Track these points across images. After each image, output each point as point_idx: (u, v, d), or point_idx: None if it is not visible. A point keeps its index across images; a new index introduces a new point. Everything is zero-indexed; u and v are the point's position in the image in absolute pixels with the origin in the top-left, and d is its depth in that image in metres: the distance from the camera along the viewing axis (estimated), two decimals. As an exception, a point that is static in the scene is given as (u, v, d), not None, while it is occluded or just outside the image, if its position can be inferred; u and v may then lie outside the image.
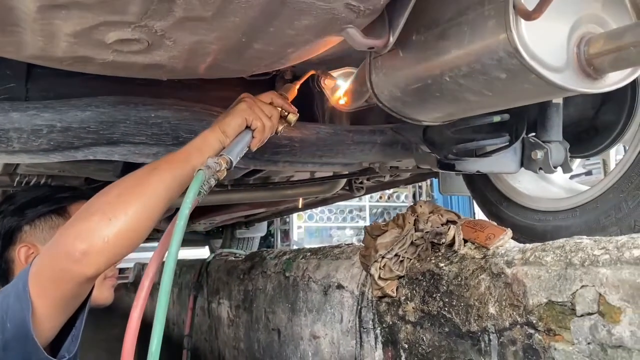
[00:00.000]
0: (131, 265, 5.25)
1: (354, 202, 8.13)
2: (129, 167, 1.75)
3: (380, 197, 8.40)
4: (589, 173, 5.33)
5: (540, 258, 1.00)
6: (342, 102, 1.51)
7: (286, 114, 1.32)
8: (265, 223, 4.33)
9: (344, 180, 2.25)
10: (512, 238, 1.65)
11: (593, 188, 1.42)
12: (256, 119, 1.22)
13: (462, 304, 1.13)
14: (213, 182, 1.10)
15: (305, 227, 8.48)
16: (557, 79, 0.86)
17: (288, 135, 1.60)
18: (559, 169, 1.43)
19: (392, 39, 1.05)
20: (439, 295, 1.21)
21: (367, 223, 8.59)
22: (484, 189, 1.74)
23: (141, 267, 4.96)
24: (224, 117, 1.22)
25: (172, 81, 1.53)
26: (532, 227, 1.55)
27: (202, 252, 5.05)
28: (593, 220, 1.38)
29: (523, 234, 1.59)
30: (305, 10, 0.94)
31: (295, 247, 7.56)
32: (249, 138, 1.22)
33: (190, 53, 1.10)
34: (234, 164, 1.16)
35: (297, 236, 8.07)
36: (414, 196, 8.42)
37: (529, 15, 0.81)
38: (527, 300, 0.99)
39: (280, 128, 1.32)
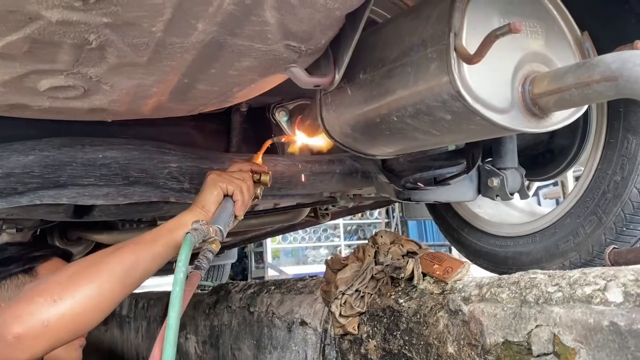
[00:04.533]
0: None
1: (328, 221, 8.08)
2: (81, 208, 1.69)
3: (354, 215, 8.39)
4: (556, 184, 5.41)
5: (496, 295, 0.98)
6: (297, 136, 1.49)
7: (259, 177, 1.30)
8: (235, 250, 4.25)
9: (307, 209, 2.22)
10: (476, 264, 1.65)
11: (551, 213, 1.41)
12: (230, 183, 1.18)
13: (422, 343, 1.11)
14: (210, 256, 1.04)
15: (281, 249, 8.40)
16: (501, 120, 0.85)
17: (244, 170, 1.56)
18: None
19: (337, 77, 1.03)
20: (399, 333, 1.18)
21: (342, 241, 8.56)
22: (445, 214, 1.73)
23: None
24: (198, 196, 1.18)
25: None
26: (494, 253, 1.54)
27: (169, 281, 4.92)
28: (552, 246, 1.37)
29: (485, 260, 1.57)
30: (244, 52, 0.92)
31: (269, 270, 7.42)
32: (231, 205, 1.19)
33: (131, 96, 1.06)
34: (224, 233, 1.10)
35: (271, 258, 7.98)
36: (387, 212, 8.43)
37: (470, 60, 0.80)
38: (485, 340, 0.96)
39: (258, 191, 1.30)
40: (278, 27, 0.85)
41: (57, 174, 1.36)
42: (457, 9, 0.82)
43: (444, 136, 0.98)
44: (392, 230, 8.27)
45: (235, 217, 1.21)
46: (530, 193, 1.83)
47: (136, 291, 4.54)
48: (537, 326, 0.87)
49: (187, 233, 1.00)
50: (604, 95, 0.80)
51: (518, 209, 1.66)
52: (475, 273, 1.52)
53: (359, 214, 8.29)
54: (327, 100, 1.16)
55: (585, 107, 0.95)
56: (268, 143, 1.47)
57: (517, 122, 0.87)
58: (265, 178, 1.31)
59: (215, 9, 0.77)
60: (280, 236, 8.01)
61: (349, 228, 8.77)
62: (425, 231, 9.43)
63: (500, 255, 1.52)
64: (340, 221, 8.43)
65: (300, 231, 8.05)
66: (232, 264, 7.82)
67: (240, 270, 8.23)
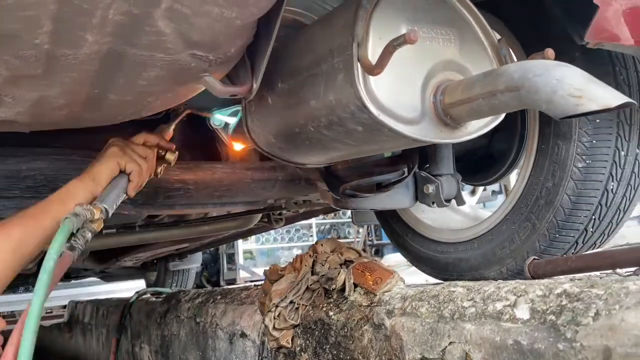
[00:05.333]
0: (65, 302, 5.01)
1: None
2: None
3: (326, 215, 8.35)
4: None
5: (416, 309, 0.96)
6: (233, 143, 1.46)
7: (163, 153, 1.24)
8: (199, 254, 4.19)
9: (259, 215, 2.18)
10: (420, 270, 1.62)
11: (488, 219, 1.40)
12: (130, 162, 1.12)
13: (348, 357, 1.08)
14: (89, 235, 1.00)
15: (253, 249, 8.33)
16: (410, 132, 0.82)
17: (180, 178, 1.52)
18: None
19: (255, 86, 0.99)
20: (328, 347, 1.15)
21: (315, 240, 8.50)
22: (390, 219, 1.70)
23: (75, 305, 4.73)
24: (93, 164, 1.13)
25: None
26: (436, 260, 1.51)
27: (138, 285, 4.85)
28: (490, 253, 1.35)
29: (428, 267, 1.55)
30: (148, 62, 0.88)
31: (241, 272, 7.30)
32: (125, 183, 1.13)
33: (39, 108, 1.01)
34: (110, 213, 1.06)
35: (242, 260, 7.89)
36: (360, 211, 8.41)
37: (372, 70, 0.77)
38: (404, 356, 0.94)
39: (159, 169, 1.24)
40: (176, 36, 0.81)
41: (-23, 187, 1.31)
42: (361, 18, 0.79)
43: (362, 146, 0.95)
44: (365, 229, 8.27)
45: (126, 195, 1.15)
46: (476, 197, 1.83)
47: (98, 298, 4.45)
48: (450, 343, 0.85)
49: (65, 218, 0.95)
50: (509, 106, 0.78)
51: (461, 214, 1.64)
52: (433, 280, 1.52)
53: (332, 213, 8.26)
54: (251, 109, 1.13)
55: (502, 116, 0.93)
56: (185, 113, 1.40)
57: (428, 133, 0.85)
58: (170, 157, 1.25)
59: (101, 20, 0.73)
60: (253, 237, 7.94)
61: (321, 227, 8.74)
62: (398, 229, 9.41)
63: (441, 262, 1.50)
64: (313, 221, 8.39)
65: (272, 231, 7.99)
66: (207, 265, 7.73)
67: (215, 272, 8.13)
